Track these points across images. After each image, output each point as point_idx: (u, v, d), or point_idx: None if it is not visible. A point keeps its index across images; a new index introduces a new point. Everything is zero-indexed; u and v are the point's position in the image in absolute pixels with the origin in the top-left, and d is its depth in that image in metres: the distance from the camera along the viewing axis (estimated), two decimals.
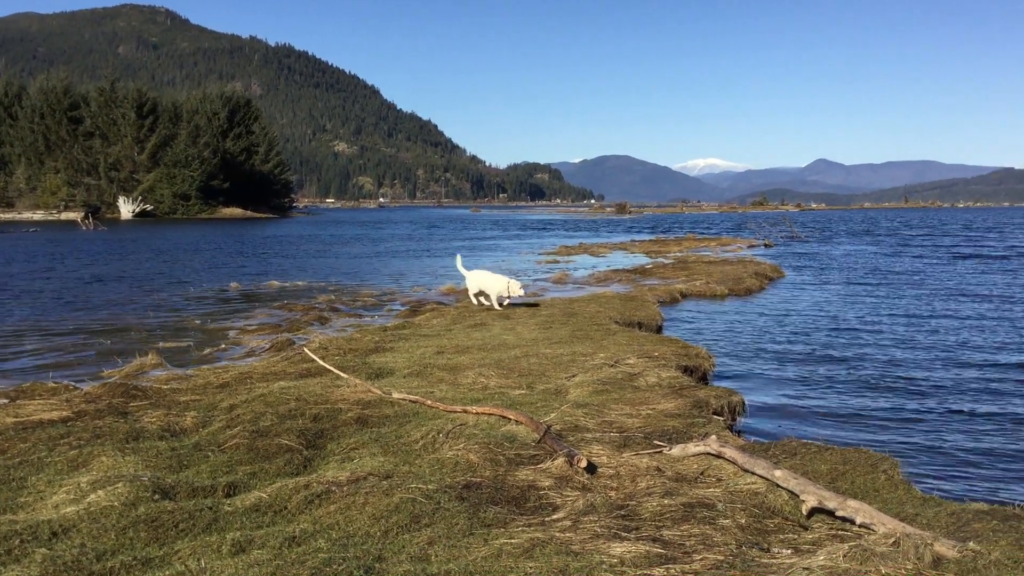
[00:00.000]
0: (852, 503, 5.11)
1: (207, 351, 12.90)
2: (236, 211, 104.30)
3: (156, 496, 5.33)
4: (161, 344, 13.34)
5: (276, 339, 13.23)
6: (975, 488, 7.31)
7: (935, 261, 34.87)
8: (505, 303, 16.13)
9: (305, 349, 11.04)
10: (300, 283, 23.94)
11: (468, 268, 16.98)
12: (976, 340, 14.69)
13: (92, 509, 5.09)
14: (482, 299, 16.45)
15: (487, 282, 16.14)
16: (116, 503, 5.17)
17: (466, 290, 17.10)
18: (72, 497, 5.35)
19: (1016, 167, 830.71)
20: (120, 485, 5.40)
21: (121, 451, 6.41)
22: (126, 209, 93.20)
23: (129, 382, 9.34)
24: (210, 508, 5.13)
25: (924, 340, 14.67)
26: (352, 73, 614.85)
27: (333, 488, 5.40)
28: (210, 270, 28.65)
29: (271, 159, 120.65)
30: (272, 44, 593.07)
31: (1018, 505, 5.59)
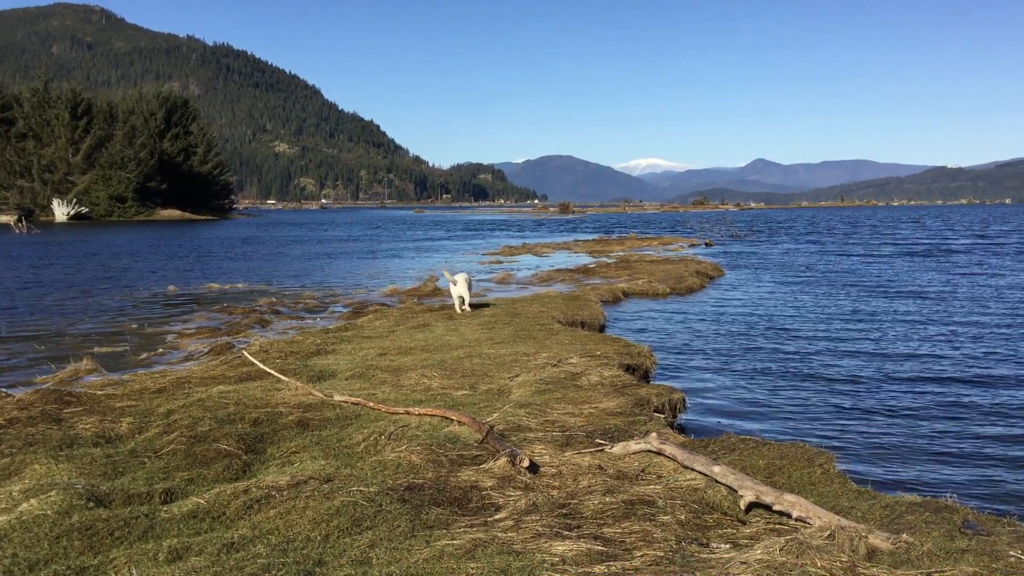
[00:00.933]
0: (789, 497, 5.20)
1: (144, 356, 12.68)
2: (174, 213, 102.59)
3: (91, 504, 5.22)
4: (96, 349, 13.07)
5: (215, 343, 13.05)
6: (909, 481, 7.47)
7: (870, 259, 35.62)
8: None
9: (245, 352, 10.90)
10: (240, 286, 23.63)
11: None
12: (910, 336, 15.04)
13: (24, 518, 4.98)
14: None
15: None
16: (49, 511, 5.05)
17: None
18: (3, 506, 5.22)
19: (949, 166, 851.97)
20: (53, 493, 5.29)
21: (54, 458, 6.28)
22: (61, 212, 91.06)
23: (63, 388, 9.14)
24: (146, 515, 5.04)
25: (859, 337, 14.98)
26: (292, 73, 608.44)
27: (273, 493, 5.35)
28: (147, 273, 28.13)
29: (210, 160, 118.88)
30: (210, 43, 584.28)
31: (950, 497, 5.73)
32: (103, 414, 7.90)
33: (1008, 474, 7.67)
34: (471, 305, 15.92)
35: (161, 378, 9.79)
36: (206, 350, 12.66)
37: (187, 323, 16.14)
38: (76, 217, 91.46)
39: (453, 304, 15.96)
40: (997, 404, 10.14)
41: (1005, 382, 11.30)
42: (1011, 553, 4.36)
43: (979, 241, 49.34)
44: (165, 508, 5.22)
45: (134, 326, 15.80)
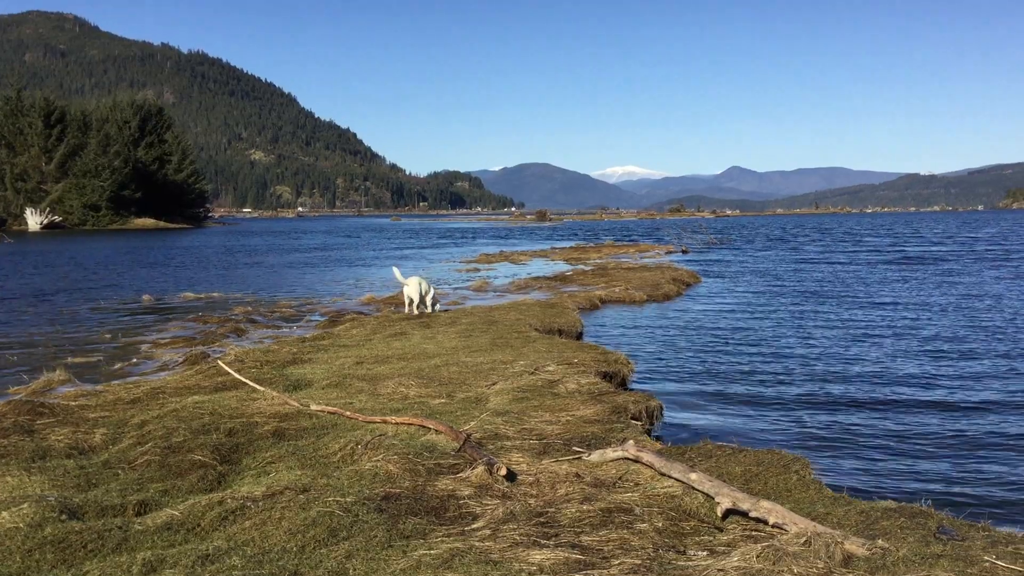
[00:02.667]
0: (765, 504, 5.21)
1: (118, 366, 12.56)
2: (149, 222, 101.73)
3: (63, 516, 5.16)
4: (70, 359, 12.94)
5: (190, 352, 12.95)
6: (884, 486, 7.51)
7: (843, 267, 35.87)
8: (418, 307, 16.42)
9: (220, 362, 10.82)
10: (215, 294, 23.47)
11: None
12: (883, 344, 15.14)
13: None
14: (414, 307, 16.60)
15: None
16: (21, 524, 4.99)
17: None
18: None
19: (921, 173, 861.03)
20: (25, 506, 5.22)
21: (27, 470, 6.20)
22: (34, 221, 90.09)
23: (36, 399, 9.03)
24: (120, 527, 4.99)
25: (834, 344, 15.07)
26: (268, 81, 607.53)
27: (248, 503, 5.30)
28: (121, 282, 27.89)
29: (185, 168, 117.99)
30: (185, 51, 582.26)
31: (924, 503, 5.77)
32: (76, 425, 7.81)
33: (986, 479, 7.73)
34: (429, 308, 16.37)
35: (135, 388, 9.69)
36: (181, 360, 12.57)
37: (161, 333, 16.02)
38: (49, 226, 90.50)
39: (422, 309, 16.37)
40: (972, 408, 10.23)
41: (976, 384, 11.41)
42: (985, 558, 4.39)
43: (954, 249, 49.79)
44: (139, 520, 5.17)
45: (108, 336, 15.66)
